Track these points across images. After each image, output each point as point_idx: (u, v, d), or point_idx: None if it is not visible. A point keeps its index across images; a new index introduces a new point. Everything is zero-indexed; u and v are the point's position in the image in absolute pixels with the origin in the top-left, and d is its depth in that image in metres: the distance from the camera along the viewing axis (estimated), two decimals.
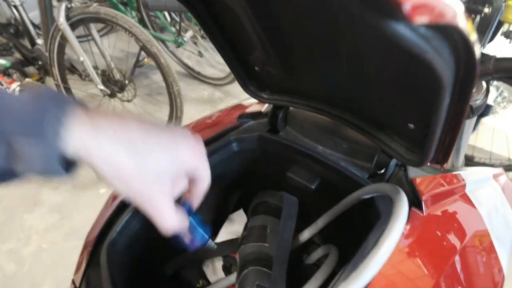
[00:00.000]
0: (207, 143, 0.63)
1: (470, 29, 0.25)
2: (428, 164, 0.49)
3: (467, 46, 0.27)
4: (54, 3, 1.78)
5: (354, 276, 0.34)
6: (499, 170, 0.65)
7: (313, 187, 0.57)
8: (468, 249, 0.50)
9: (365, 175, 0.55)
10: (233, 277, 0.58)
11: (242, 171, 0.66)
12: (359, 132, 0.55)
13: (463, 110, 0.36)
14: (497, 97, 1.52)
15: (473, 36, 0.26)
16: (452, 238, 0.50)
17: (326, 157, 0.57)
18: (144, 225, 0.54)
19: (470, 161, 1.54)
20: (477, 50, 0.28)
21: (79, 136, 0.28)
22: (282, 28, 0.45)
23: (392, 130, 0.50)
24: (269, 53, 0.52)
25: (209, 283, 0.62)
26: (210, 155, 0.62)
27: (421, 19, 0.19)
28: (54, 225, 1.69)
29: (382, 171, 0.56)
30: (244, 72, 0.59)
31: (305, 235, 0.57)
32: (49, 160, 0.28)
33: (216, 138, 0.64)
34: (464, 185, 0.57)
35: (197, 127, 0.72)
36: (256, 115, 0.68)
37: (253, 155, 0.65)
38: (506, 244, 0.56)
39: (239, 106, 0.79)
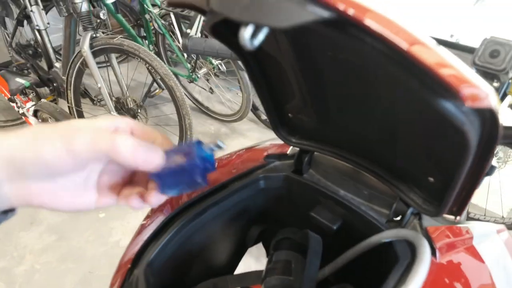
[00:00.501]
0: (235, 179, 0.68)
1: (498, 106, 0.32)
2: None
3: (495, 120, 0.33)
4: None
5: None
6: (502, 226, 0.71)
7: (334, 227, 0.62)
8: None
9: (383, 221, 0.60)
10: None
11: (266, 208, 0.71)
12: (380, 180, 0.60)
13: (484, 168, 0.42)
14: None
15: (499, 112, 0.33)
16: (463, 287, 0.54)
17: (348, 200, 0.62)
18: (178, 249, 0.58)
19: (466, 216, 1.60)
20: (501, 122, 0.34)
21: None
22: (325, 84, 0.52)
23: (412, 182, 0.56)
24: (306, 103, 0.58)
25: None
26: (238, 190, 0.66)
27: (471, 103, 0.26)
28: (50, 245, 1.67)
29: (398, 218, 0.61)
30: (278, 117, 0.65)
31: (324, 272, 0.61)
32: None
33: (244, 175, 0.69)
34: (472, 238, 0.62)
35: (221, 165, 0.78)
36: (282, 156, 0.73)
37: (278, 193, 0.70)
38: None
39: (252, 149, 0.85)
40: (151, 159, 0.35)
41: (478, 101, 0.26)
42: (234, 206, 0.67)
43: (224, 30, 0.46)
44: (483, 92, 0.26)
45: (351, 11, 0.24)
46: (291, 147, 0.75)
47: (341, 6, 0.24)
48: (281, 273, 0.56)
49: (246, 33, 0.29)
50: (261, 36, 0.30)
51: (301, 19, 0.25)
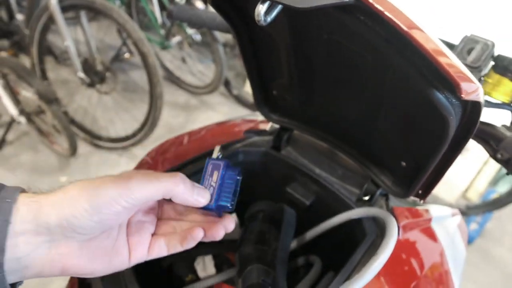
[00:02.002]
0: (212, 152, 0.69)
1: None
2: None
3: (477, 112, 0.36)
4: None
5: (358, 277, 0.42)
6: (456, 210, 0.78)
7: (307, 203, 0.65)
8: (429, 276, 0.60)
9: (353, 199, 0.64)
10: (224, 275, 0.63)
11: (242, 181, 0.73)
12: (354, 161, 0.64)
13: (454, 158, 0.46)
14: None
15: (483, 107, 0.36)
16: (419, 263, 0.59)
17: (322, 178, 0.65)
18: None
19: None
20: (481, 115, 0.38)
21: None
22: (315, 66, 0.53)
23: (385, 165, 0.60)
24: (292, 82, 0.60)
25: (198, 278, 0.66)
26: None
27: (465, 96, 0.29)
28: None
29: (367, 198, 0.65)
30: (262, 93, 0.67)
31: (295, 243, 0.64)
32: None
33: (223, 148, 0.70)
34: (431, 219, 0.68)
35: (197, 137, 0.78)
36: (261, 132, 0.75)
37: (255, 168, 0.71)
38: (458, 273, 0.67)
39: (223, 124, 0.86)
40: (202, 196, 0.41)
41: (471, 94, 0.29)
42: None
43: (225, 2, 0.46)
44: (477, 87, 0.28)
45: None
46: (271, 123, 0.77)
47: None
48: (255, 242, 0.59)
49: (262, 9, 0.29)
50: (274, 13, 0.31)
51: (322, 2, 0.26)
